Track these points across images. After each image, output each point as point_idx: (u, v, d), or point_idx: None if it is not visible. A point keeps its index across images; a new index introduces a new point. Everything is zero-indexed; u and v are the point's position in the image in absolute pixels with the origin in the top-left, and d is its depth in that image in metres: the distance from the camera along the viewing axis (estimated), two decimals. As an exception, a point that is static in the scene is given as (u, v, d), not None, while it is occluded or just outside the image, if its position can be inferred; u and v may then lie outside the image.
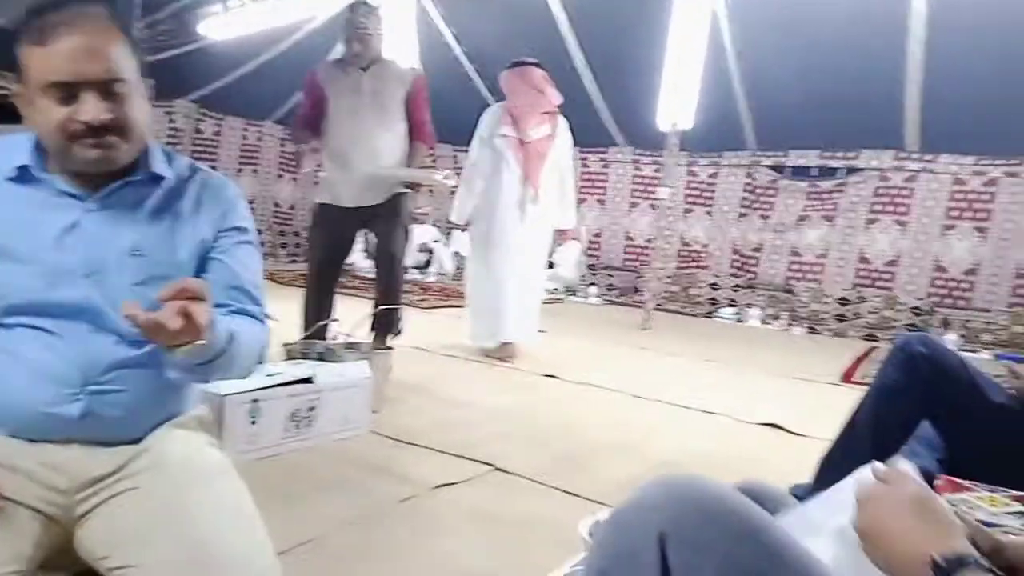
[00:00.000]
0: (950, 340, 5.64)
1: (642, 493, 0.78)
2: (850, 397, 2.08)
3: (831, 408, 2.49)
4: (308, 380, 2.27)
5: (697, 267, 7.89)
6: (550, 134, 4.03)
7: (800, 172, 7.37)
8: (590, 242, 8.45)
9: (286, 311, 3.22)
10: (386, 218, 3.20)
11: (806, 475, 1.98)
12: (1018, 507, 1.42)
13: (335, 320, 3.10)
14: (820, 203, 7.24)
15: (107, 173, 1.09)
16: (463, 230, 4.40)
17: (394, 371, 3.00)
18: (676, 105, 5.70)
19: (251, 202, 8.30)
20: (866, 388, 1.96)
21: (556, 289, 7.58)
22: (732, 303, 7.34)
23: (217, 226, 1.17)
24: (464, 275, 4.44)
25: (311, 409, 2.24)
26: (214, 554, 0.92)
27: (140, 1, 5.75)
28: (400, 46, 6.71)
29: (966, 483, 1.54)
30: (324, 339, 2.96)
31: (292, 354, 2.65)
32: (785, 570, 0.70)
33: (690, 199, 7.95)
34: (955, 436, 1.81)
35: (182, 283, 0.90)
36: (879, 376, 1.91)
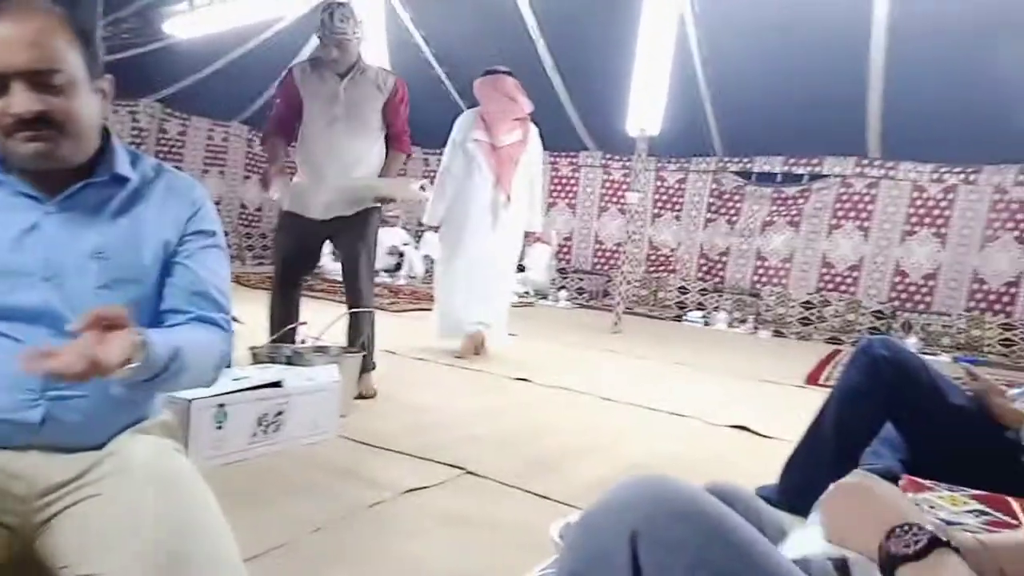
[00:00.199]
0: (911, 343, 5.78)
1: (612, 494, 0.79)
2: (815, 399, 2.12)
3: (797, 410, 2.53)
4: (276, 384, 2.24)
5: (666, 271, 7.98)
6: (521, 140, 4.13)
7: (765, 178, 7.49)
8: (560, 246, 8.49)
9: (253, 314, 3.18)
10: (354, 233, 3.02)
11: (773, 476, 2.01)
12: (976, 505, 1.46)
13: (303, 323, 3.04)
14: (785, 209, 7.37)
15: (69, 174, 1.06)
16: (435, 231, 4.42)
17: (375, 387, 2.98)
18: (645, 111, 5.75)
19: (217, 203, 8.23)
20: (830, 390, 2.00)
21: (527, 292, 7.60)
22: (700, 307, 7.43)
23: (183, 229, 1.15)
24: (434, 278, 4.45)
25: (279, 414, 2.21)
26: (179, 561, 0.90)
27: (105, -2, 5.63)
28: (370, 49, 6.65)
29: (927, 483, 1.58)
30: (292, 343, 2.92)
31: (259, 358, 2.62)
32: (754, 568, 0.71)
33: (659, 204, 8.03)
34: (917, 437, 1.86)
35: (99, 312, 0.87)
36: (843, 379, 1.95)
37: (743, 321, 6.94)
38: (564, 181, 8.56)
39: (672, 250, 7.97)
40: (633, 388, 3.58)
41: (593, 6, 6.33)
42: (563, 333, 5.44)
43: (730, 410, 3.25)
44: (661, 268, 8.02)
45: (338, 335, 3.02)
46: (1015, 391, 1.95)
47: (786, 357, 5.27)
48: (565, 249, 8.55)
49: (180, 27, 6.27)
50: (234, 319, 1.23)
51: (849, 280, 7.06)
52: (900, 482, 1.63)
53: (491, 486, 2.09)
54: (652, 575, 0.72)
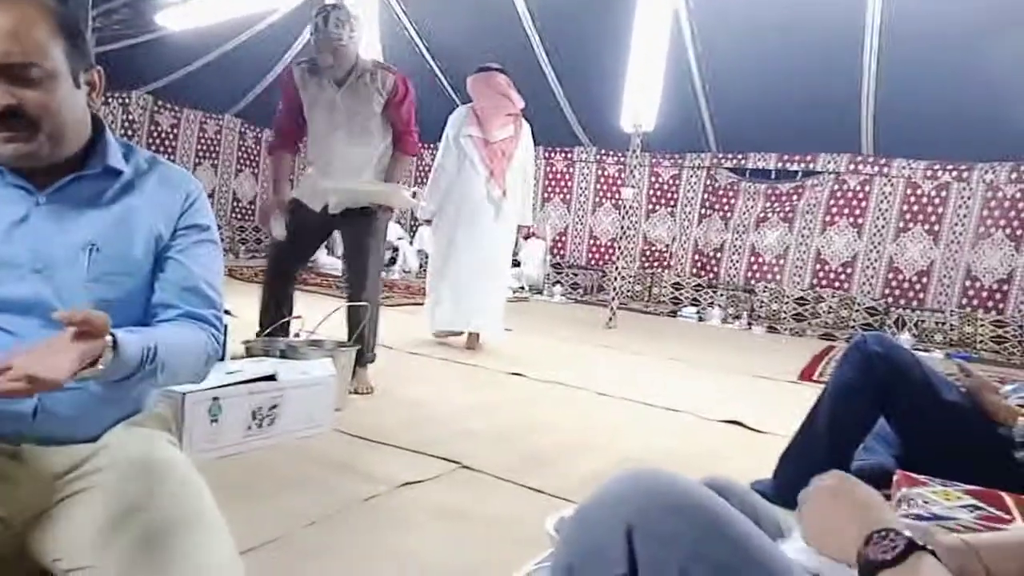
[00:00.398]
0: (904, 340, 5.81)
1: (607, 488, 0.79)
2: (808, 395, 2.13)
3: (790, 406, 2.54)
4: (271, 378, 2.23)
5: (660, 267, 7.99)
6: (514, 135, 4.20)
7: (760, 174, 7.50)
8: (555, 241, 8.49)
9: (246, 307, 3.17)
10: (362, 226, 2.97)
11: (767, 471, 2.02)
12: (970, 500, 1.47)
13: (297, 317, 3.02)
14: (779, 205, 7.38)
15: (61, 166, 1.05)
16: (428, 224, 4.45)
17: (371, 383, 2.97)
18: (639, 106, 5.75)
19: (210, 196, 8.16)
20: (824, 386, 2.01)
21: (522, 288, 7.60)
22: (694, 302, 7.44)
23: (175, 223, 1.14)
24: (427, 272, 4.50)
25: (273, 407, 2.21)
26: (173, 555, 0.90)
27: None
28: (364, 45, 6.62)
29: (921, 478, 1.59)
30: (286, 336, 2.91)
31: (253, 351, 2.61)
32: (749, 561, 0.71)
33: (653, 200, 8.04)
34: (910, 433, 1.87)
35: (85, 315, 0.86)
36: (836, 375, 1.95)
37: (737, 317, 6.96)
38: (559, 176, 8.56)
39: (666, 246, 7.99)
40: (627, 383, 3.59)
41: (589, 2, 6.32)
42: (558, 328, 5.45)
43: (724, 405, 3.26)
44: (655, 264, 8.03)
45: (333, 329, 3.01)
46: (1008, 387, 1.97)
47: (780, 353, 5.29)
48: (560, 244, 8.55)
49: (172, 19, 6.22)
50: (227, 312, 1.22)
51: (843, 276, 7.08)
52: (894, 477, 1.64)
53: (486, 480, 2.09)
54: (647, 568, 0.72)
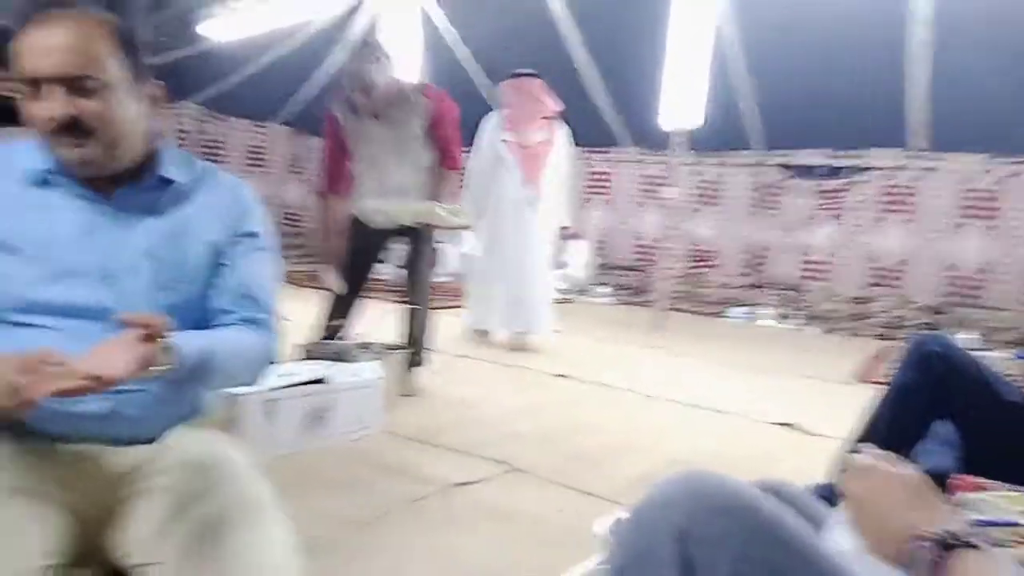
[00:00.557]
0: (964, 339, 5.61)
1: (658, 490, 0.79)
2: (864, 396, 2.08)
3: (844, 407, 2.47)
4: (321, 380, 2.28)
5: (706, 267, 7.87)
6: (548, 138, 4.28)
7: (807, 171, 7.34)
8: (598, 242, 8.44)
9: (298, 311, 3.24)
10: (411, 235, 3.11)
11: (820, 474, 1.97)
12: (1035, 504, 1.41)
13: (355, 323, 3.10)
14: (828, 202, 7.21)
15: (121, 176, 1.10)
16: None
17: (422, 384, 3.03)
18: (681, 104, 5.69)
19: (261, 204, 8.37)
20: (881, 387, 1.96)
21: (567, 289, 7.58)
22: (743, 303, 7.32)
23: (231, 231, 1.18)
24: (469, 274, 4.65)
25: (325, 409, 2.25)
26: (232, 548, 0.93)
27: (144, 3, 5.79)
28: (404, 53, 6.74)
29: (984, 481, 1.54)
30: (339, 339, 2.97)
31: (306, 354, 2.67)
32: (800, 562, 0.71)
33: (698, 198, 7.93)
34: (971, 435, 1.81)
35: (146, 319, 0.91)
36: (894, 376, 1.90)
37: (788, 317, 6.82)
38: (600, 177, 8.51)
39: (713, 246, 7.87)
40: (674, 384, 3.55)
41: (628, 1, 6.28)
42: (603, 329, 5.42)
43: (775, 407, 3.20)
44: (701, 264, 7.92)
45: (384, 332, 3.07)
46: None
47: (833, 353, 5.17)
48: (603, 245, 8.50)
49: (217, 30, 6.43)
50: (281, 317, 1.26)
51: (897, 274, 6.88)
52: (954, 480, 1.59)
53: (534, 482, 2.10)
54: (700, 570, 0.72)
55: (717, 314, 7.10)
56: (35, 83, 1.00)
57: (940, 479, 1.68)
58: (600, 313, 6.65)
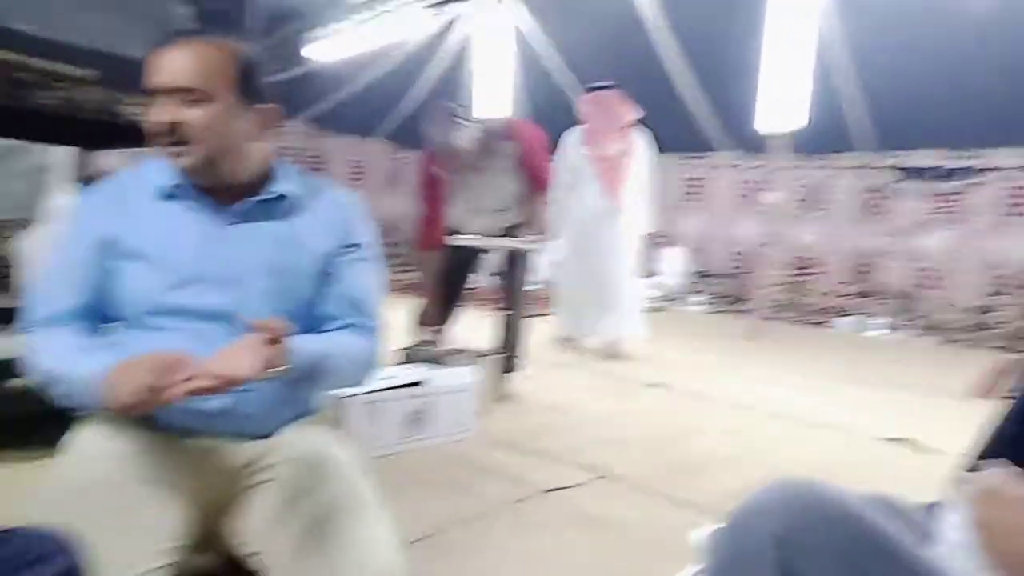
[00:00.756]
0: (1099, 352, 5.14)
1: (756, 497, 0.78)
2: (984, 412, 1.95)
3: (963, 423, 2.30)
4: (419, 384, 2.35)
5: (809, 274, 7.56)
6: (627, 149, 4.35)
7: (922, 173, 6.93)
8: (694, 249, 8.26)
9: (398, 318, 3.35)
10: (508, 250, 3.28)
11: (933, 493, 1.87)
12: None
13: (451, 329, 3.20)
14: (945, 205, 6.77)
15: (241, 189, 1.18)
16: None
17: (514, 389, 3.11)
18: (780, 106, 5.50)
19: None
20: (1003, 402, 1.84)
21: (660, 297, 7.46)
22: (850, 312, 6.98)
23: (339, 242, 1.24)
24: (556, 281, 4.73)
25: (424, 411, 2.32)
26: (340, 541, 0.98)
27: (258, 29, 6.15)
28: (496, 70, 6.97)
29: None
30: (436, 345, 3.06)
31: (405, 358, 2.76)
32: (898, 574, 0.68)
33: (800, 203, 7.63)
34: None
35: (269, 323, 0.99)
36: (1020, 389, 1.78)
37: (897, 328, 6.46)
38: (695, 183, 8.34)
39: (817, 253, 7.55)
40: (773, 396, 3.44)
41: (724, 3, 6.14)
42: (697, 338, 5.32)
43: (883, 421, 3.04)
44: (804, 271, 7.61)
45: (478, 338, 3.14)
46: None
47: (949, 365, 4.85)
48: (699, 252, 8.31)
49: (320, 52, 6.82)
50: (383, 326, 1.31)
51: (1021, 283, 6.38)
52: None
53: (628, 490, 2.09)
54: (797, 577, 0.71)
55: (821, 323, 6.81)
56: (152, 94, 1.11)
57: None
58: (695, 321, 6.52)
